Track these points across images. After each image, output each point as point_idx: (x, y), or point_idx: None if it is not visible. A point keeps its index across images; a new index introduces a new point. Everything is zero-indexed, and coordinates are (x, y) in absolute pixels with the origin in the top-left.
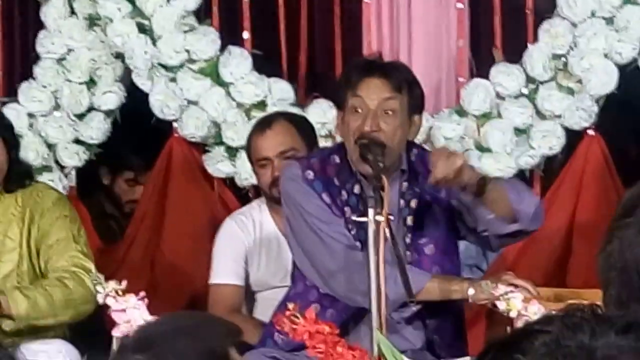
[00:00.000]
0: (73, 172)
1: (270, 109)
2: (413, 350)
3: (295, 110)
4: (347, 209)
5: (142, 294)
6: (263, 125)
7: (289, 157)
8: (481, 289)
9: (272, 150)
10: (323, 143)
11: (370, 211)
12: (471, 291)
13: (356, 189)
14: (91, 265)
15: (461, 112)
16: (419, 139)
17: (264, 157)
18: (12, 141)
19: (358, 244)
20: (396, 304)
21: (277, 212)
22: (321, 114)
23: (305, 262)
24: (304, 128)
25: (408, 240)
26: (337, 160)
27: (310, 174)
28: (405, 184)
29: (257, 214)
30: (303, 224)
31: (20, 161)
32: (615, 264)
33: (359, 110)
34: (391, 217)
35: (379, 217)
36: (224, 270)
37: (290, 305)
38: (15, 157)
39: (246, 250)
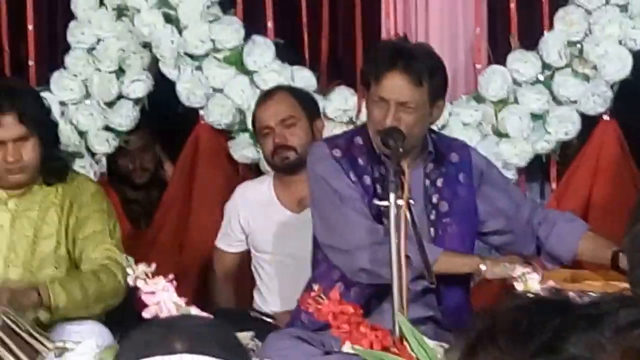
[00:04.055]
0: (103, 159)
1: None
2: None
3: (318, 98)
4: (371, 190)
5: (171, 276)
6: (264, 96)
7: (290, 125)
8: (493, 265)
9: (273, 119)
10: (345, 129)
11: (392, 195)
12: (483, 266)
13: (379, 171)
14: (122, 259)
15: (479, 99)
16: (437, 125)
17: (265, 126)
18: (49, 138)
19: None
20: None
21: (283, 185)
22: (342, 101)
23: (328, 241)
24: (305, 99)
25: (433, 217)
26: (361, 142)
27: (337, 152)
28: (431, 165)
29: (263, 188)
30: (329, 202)
31: (58, 156)
32: None
33: (381, 102)
34: (412, 201)
35: (399, 201)
36: (223, 237)
37: (315, 287)
38: (51, 153)
39: (246, 220)
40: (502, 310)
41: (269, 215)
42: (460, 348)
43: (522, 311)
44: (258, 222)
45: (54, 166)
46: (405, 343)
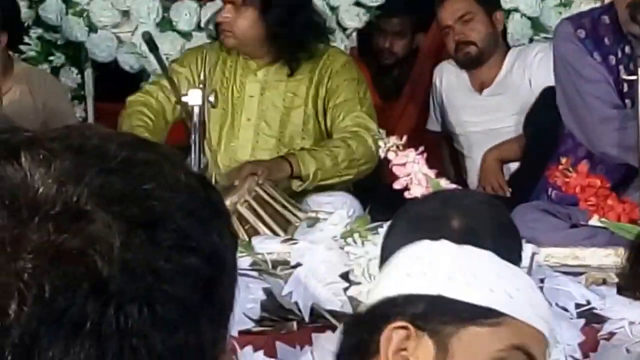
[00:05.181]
0: (354, 34)
1: None
2: None
3: None
4: (620, 67)
5: (421, 148)
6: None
7: (467, 20)
8: None
9: (451, 18)
10: (592, 5)
11: None
12: None
13: (627, 49)
14: (374, 126)
15: None
16: None
17: (445, 26)
18: (270, 12)
19: (628, 101)
20: None
21: (470, 75)
22: None
23: (571, 120)
24: None
25: None
26: (607, 21)
27: (582, 33)
28: None
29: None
30: (571, 83)
31: (289, 32)
32: None
33: None
34: None
35: None
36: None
37: (563, 160)
38: (278, 27)
39: (442, 99)
40: None
41: (459, 94)
42: None
43: None
44: (451, 101)
45: (283, 41)
46: None
